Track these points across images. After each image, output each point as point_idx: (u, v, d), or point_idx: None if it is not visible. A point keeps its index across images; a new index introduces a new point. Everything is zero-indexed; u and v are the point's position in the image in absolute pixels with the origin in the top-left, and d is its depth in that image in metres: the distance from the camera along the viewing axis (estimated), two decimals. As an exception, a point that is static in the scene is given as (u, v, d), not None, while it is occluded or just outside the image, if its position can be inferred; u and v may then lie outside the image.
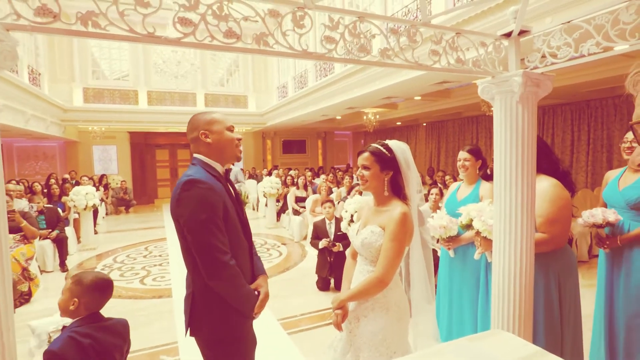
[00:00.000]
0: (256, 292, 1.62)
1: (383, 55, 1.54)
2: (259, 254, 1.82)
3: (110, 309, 3.94)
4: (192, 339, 1.60)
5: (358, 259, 1.93)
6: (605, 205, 2.50)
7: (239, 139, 1.67)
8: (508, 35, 1.83)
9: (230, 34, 1.25)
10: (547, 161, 2.11)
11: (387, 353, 1.71)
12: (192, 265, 1.53)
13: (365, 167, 1.82)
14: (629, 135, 2.39)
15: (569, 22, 1.66)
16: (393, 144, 1.86)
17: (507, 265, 1.85)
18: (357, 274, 1.89)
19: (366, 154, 1.82)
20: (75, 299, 1.59)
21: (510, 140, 1.83)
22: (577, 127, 8.50)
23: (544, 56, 1.80)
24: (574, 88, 6.70)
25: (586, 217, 2.25)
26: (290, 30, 1.35)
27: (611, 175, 2.52)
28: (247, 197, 8.58)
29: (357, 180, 8.79)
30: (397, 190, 1.83)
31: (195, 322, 1.55)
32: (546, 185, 2.04)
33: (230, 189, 1.66)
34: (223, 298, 1.51)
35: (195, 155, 1.63)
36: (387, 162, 1.80)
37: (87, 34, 1.09)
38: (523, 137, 1.81)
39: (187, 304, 1.58)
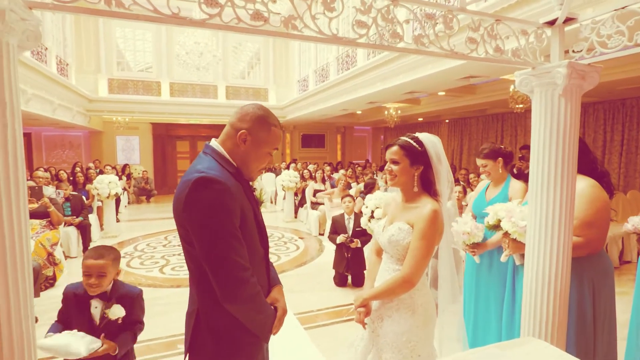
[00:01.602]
0: (273, 308, 1.39)
1: (417, 42, 1.44)
2: (276, 249, 1.69)
3: (130, 297, 3.99)
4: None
5: (383, 257, 1.85)
6: (649, 209, 2.34)
7: (268, 163, 1.45)
8: (552, 23, 1.70)
9: (258, 17, 1.19)
10: (584, 160, 1.97)
11: (411, 356, 1.64)
12: (197, 278, 1.28)
13: (394, 162, 1.73)
14: None
15: (623, 7, 1.52)
16: (424, 136, 1.76)
17: (542, 269, 1.74)
18: (381, 272, 1.81)
19: (395, 148, 1.72)
20: (119, 269, 1.95)
21: (550, 136, 1.70)
22: (610, 127, 8.10)
23: (590, 48, 1.66)
24: (609, 85, 6.36)
25: (638, 223, 2.09)
26: (320, 14, 1.28)
27: None
28: (262, 195, 8.27)
29: (376, 176, 8.64)
30: (427, 186, 1.74)
31: (198, 346, 1.29)
32: (583, 185, 1.91)
33: (248, 188, 1.41)
34: (233, 320, 1.26)
35: (212, 143, 1.35)
36: (418, 156, 1.71)
37: (110, 13, 1.05)
38: (565, 134, 1.68)
39: (188, 323, 1.31)
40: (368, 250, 4.44)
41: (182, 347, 2.87)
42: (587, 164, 2.01)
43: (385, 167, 1.80)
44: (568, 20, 1.68)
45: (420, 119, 12.85)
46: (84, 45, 10.69)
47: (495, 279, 2.49)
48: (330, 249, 5.79)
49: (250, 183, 1.51)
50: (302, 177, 8.73)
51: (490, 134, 10.86)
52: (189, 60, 8.26)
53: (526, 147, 5.84)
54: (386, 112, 9.98)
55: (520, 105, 6.73)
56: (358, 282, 4.26)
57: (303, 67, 11.96)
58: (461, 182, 6.58)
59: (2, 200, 0.92)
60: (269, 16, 1.21)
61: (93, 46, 10.87)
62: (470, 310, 2.63)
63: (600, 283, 1.93)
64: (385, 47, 1.42)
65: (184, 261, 4.84)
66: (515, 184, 2.54)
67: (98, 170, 9.04)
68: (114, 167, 9.48)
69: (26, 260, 0.99)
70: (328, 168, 9.01)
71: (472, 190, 5.84)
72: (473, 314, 2.61)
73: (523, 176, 3.80)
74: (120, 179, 8.02)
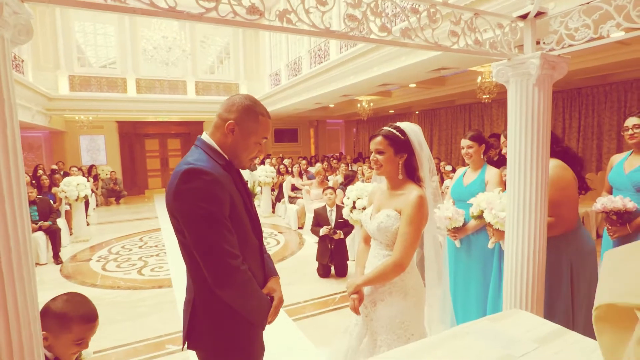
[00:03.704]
0: (269, 298, 1.42)
1: (404, 35, 1.50)
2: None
3: (111, 300, 3.90)
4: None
5: (372, 244, 1.91)
6: (610, 189, 2.54)
7: (259, 153, 1.42)
8: (524, 16, 1.81)
9: (254, 10, 1.20)
10: (551, 143, 2.09)
11: (405, 335, 1.72)
12: (192, 268, 1.30)
13: (379, 152, 1.79)
14: (629, 122, 2.41)
15: (588, 2, 1.64)
16: (405, 125, 1.84)
17: (521, 247, 1.87)
18: (371, 259, 1.87)
19: (379, 138, 1.78)
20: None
21: (526, 123, 1.82)
22: (568, 115, 8.62)
23: (559, 40, 1.79)
24: (567, 76, 6.70)
25: (607, 203, 2.27)
26: (313, 8, 1.31)
27: (616, 159, 2.55)
28: (255, 188, 7.99)
29: (351, 167, 8.70)
30: (411, 172, 1.81)
31: (196, 333, 1.31)
32: (549, 166, 2.03)
33: (239, 180, 1.42)
34: (229, 307, 1.29)
35: (203, 137, 1.35)
36: (401, 145, 1.77)
37: (106, 6, 1.03)
38: (539, 120, 1.81)
39: (186, 312, 1.34)
40: (349, 240, 4.53)
41: (171, 347, 2.85)
42: (554, 146, 2.13)
43: (371, 158, 1.86)
44: (539, 14, 1.80)
45: (392, 111, 13.09)
46: (40, 40, 10.04)
47: (475, 262, 2.62)
48: (310, 242, 5.85)
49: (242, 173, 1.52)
50: (279, 172, 8.71)
51: (459, 124, 11.25)
52: (156, 56, 7.98)
53: (494, 136, 6.11)
54: (359, 105, 10.10)
55: (487, 96, 7.02)
56: (341, 272, 4.35)
57: (274, 61, 11.85)
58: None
59: (5, 200, 0.90)
60: (264, 10, 1.23)
61: (50, 41, 10.23)
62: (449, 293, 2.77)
63: (578, 261, 2.02)
64: (375, 40, 1.47)
65: (163, 262, 4.74)
66: (491, 170, 2.68)
67: (62, 173, 8.60)
68: (80, 169, 9.05)
69: (30, 260, 0.97)
70: (304, 162, 9.03)
71: (446, 179, 6.07)
72: (452, 297, 2.74)
73: (492, 163, 4.00)
74: (87, 180, 7.66)
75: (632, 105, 7.41)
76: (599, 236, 5.51)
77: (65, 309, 1.31)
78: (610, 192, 2.52)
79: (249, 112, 1.33)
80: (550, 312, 2.01)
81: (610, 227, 2.33)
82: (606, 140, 7.97)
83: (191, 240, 1.22)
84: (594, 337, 2.02)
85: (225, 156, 1.34)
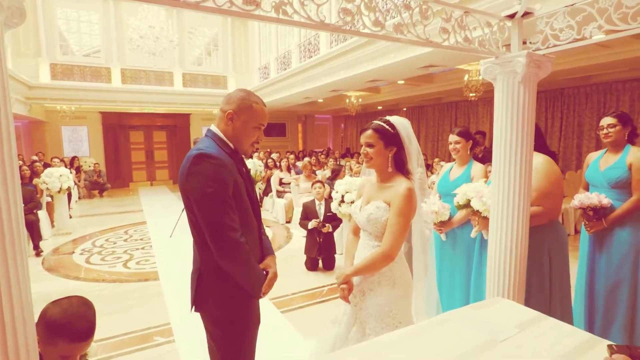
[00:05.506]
0: (265, 272, 1.60)
1: (397, 30, 1.53)
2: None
3: (97, 293, 3.86)
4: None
5: (361, 235, 1.95)
6: (587, 186, 2.64)
7: (258, 140, 1.60)
8: (512, 16, 1.86)
9: (250, 1, 1.21)
10: (537, 139, 2.19)
11: (393, 324, 1.77)
12: (199, 241, 1.49)
13: (369, 145, 1.82)
14: (604, 122, 2.49)
15: (572, 4, 1.70)
16: (395, 119, 1.87)
17: (504, 239, 1.94)
18: (360, 250, 1.91)
19: (369, 132, 1.81)
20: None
21: (511, 119, 1.88)
22: (550, 115, 8.84)
23: (544, 40, 1.85)
24: (550, 76, 6.87)
25: (583, 199, 2.37)
26: (309, 0, 1.32)
27: (592, 157, 2.65)
28: (257, 175, 7.84)
29: (339, 162, 8.73)
30: (400, 166, 1.85)
31: (202, 299, 1.53)
32: (540, 161, 2.14)
33: (242, 167, 1.61)
34: (231, 276, 1.47)
35: (212, 127, 1.56)
36: (391, 139, 1.81)
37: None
38: (524, 117, 1.87)
39: (193, 280, 1.55)
40: (337, 234, 4.58)
41: (159, 339, 2.86)
42: (540, 141, 2.23)
43: (361, 151, 1.90)
44: (526, 14, 1.85)
45: (380, 107, 13.17)
46: (20, 25, 9.72)
47: (459, 255, 2.70)
48: (298, 235, 5.88)
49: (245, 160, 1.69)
50: (267, 166, 8.68)
51: (446, 121, 11.41)
52: (143, 45, 7.81)
53: (479, 133, 6.25)
54: (347, 101, 10.14)
55: (473, 94, 7.14)
56: (329, 265, 4.40)
57: (264, 54, 11.75)
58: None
59: (-1, 184, 0.90)
60: (261, 0, 1.24)
61: (32, 28, 9.90)
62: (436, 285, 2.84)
63: (555, 251, 2.16)
64: (368, 35, 1.50)
65: (149, 255, 4.73)
66: (477, 166, 2.75)
67: (43, 164, 8.38)
68: (61, 160, 8.83)
69: (23, 241, 0.97)
70: (292, 156, 9.03)
71: (432, 174, 6.17)
72: (438, 289, 2.82)
73: (477, 159, 4.11)
74: (70, 172, 7.49)
75: (611, 106, 7.66)
76: (577, 232, 5.70)
77: (57, 320, 1.18)
78: (587, 189, 2.62)
79: (244, 101, 1.52)
80: (529, 300, 2.09)
81: (587, 223, 2.43)
82: (586, 139, 8.22)
83: (199, 214, 1.40)
84: (569, 323, 2.12)
85: (231, 145, 1.54)
